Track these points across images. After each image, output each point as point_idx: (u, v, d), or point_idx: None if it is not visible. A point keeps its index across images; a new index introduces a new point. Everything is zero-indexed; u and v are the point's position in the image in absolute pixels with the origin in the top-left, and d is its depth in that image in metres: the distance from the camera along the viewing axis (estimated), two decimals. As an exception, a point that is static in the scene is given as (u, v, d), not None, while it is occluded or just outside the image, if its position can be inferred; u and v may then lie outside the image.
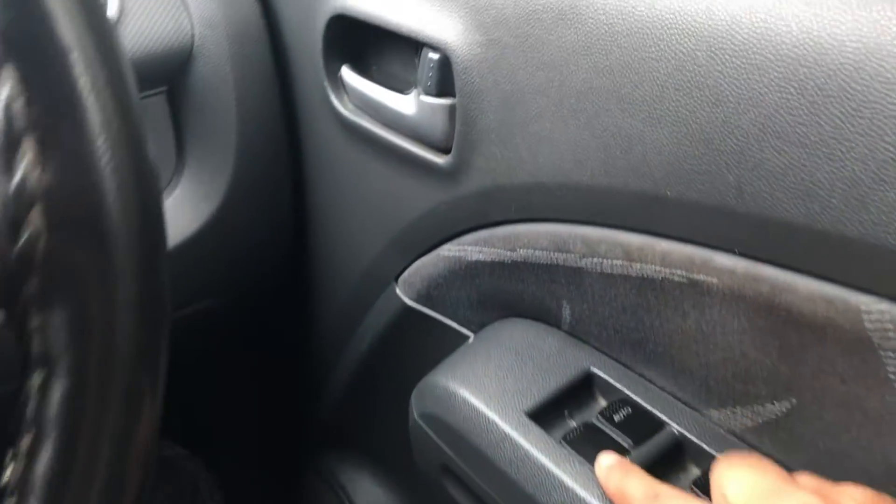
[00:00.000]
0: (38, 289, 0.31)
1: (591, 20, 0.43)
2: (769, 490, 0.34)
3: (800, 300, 0.37)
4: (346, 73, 0.61)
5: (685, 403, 0.47)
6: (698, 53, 0.38)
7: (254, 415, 0.94)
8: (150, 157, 0.32)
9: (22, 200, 0.30)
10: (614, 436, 0.46)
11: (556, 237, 0.48)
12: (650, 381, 0.48)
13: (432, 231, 0.57)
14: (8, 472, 0.32)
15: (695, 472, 0.46)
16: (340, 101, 0.61)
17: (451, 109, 0.53)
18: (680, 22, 0.39)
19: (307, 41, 0.63)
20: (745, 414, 0.44)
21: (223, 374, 0.94)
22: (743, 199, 0.37)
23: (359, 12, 0.57)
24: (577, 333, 0.52)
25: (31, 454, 0.31)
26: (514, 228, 0.50)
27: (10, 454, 0.32)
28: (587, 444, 0.46)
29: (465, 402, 0.50)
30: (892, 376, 0.35)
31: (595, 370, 0.50)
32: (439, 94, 0.53)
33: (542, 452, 0.46)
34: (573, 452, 0.46)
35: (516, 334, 0.54)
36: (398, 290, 0.62)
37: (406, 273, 0.61)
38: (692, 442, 0.45)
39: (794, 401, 0.41)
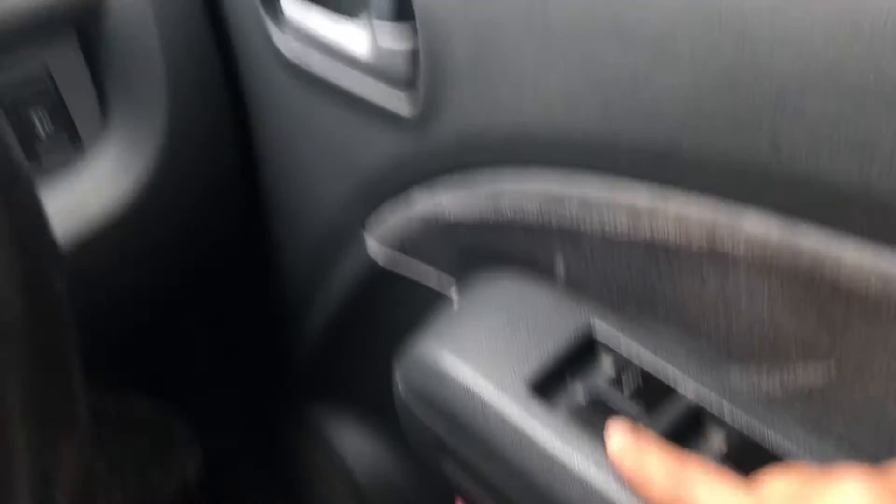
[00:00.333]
0: None
1: (578, -65, 0.35)
2: (811, 481, 0.30)
3: (848, 274, 0.31)
4: (286, 1, 0.52)
5: (701, 364, 0.42)
6: (718, -23, 0.31)
7: (229, 368, 0.89)
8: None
9: None
10: (624, 406, 0.42)
11: (547, 195, 0.41)
12: (661, 340, 0.43)
13: (400, 181, 0.50)
14: None
15: (715, 440, 0.41)
16: (281, 34, 0.53)
17: (412, 38, 0.45)
18: (692, -63, 0.31)
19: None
20: (772, 380, 0.39)
21: (194, 329, 0.88)
22: (779, 154, 0.31)
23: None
24: (574, 287, 0.46)
25: None
26: (497, 184, 0.44)
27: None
28: (594, 418, 0.41)
29: (457, 377, 0.45)
30: (962, 357, 0.30)
31: (598, 329, 0.45)
32: (396, 19, 0.45)
33: (549, 434, 0.41)
34: (583, 432, 0.41)
35: (505, 289, 0.48)
36: (367, 240, 0.56)
37: (375, 222, 0.55)
38: (711, 408, 0.41)
39: (833, 371, 0.36)
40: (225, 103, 0.58)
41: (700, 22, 0.31)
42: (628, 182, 0.37)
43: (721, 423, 0.40)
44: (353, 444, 0.74)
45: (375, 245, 0.55)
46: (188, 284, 0.74)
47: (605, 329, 0.44)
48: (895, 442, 0.35)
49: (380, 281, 0.57)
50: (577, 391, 0.44)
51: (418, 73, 0.45)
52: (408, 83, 0.46)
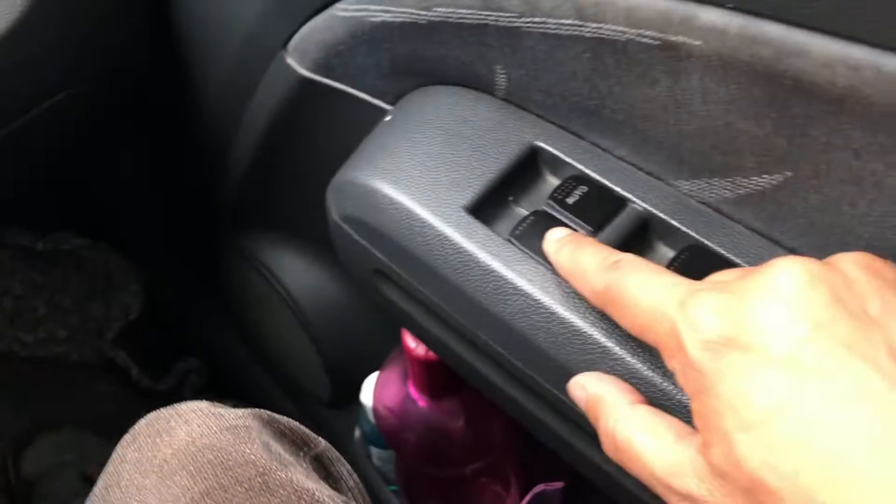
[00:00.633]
0: None
1: None
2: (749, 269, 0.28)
3: (813, 66, 0.28)
4: None
5: (649, 174, 0.40)
6: None
7: (158, 198, 0.85)
8: None
9: None
10: (570, 223, 0.40)
11: (484, -10, 0.37)
12: (607, 152, 0.41)
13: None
14: None
15: (664, 251, 0.40)
16: None
17: None
18: None
19: None
20: (723, 186, 0.37)
21: (115, 159, 0.83)
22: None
23: None
24: (515, 101, 0.43)
25: None
26: (427, -19, 0.39)
27: None
28: (539, 237, 0.39)
29: (392, 201, 0.42)
30: (928, 154, 0.28)
31: (541, 143, 0.42)
32: None
33: (488, 254, 0.39)
34: (524, 249, 0.39)
35: (442, 107, 0.45)
36: (289, 60, 0.51)
37: (296, 39, 0.50)
38: (660, 218, 0.39)
39: (788, 174, 0.34)
40: None
41: None
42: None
43: (669, 232, 0.39)
44: (294, 270, 0.72)
45: (298, 67, 0.50)
46: (106, 110, 0.69)
47: (550, 146, 0.41)
48: (844, 249, 0.34)
49: (306, 102, 0.53)
50: (519, 210, 0.41)
51: None
52: None
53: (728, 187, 0.37)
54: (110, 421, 0.93)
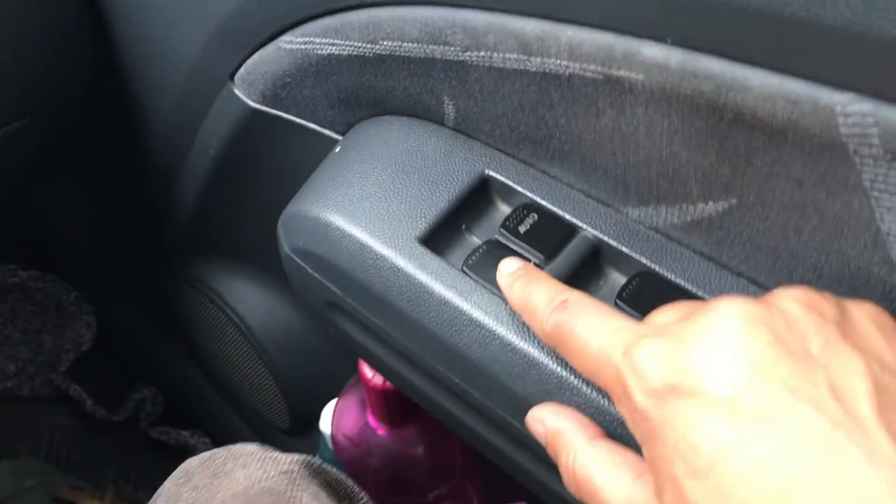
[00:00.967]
0: None
1: None
2: (692, 306, 0.29)
3: (753, 99, 0.29)
4: None
5: (598, 201, 0.40)
6: None
7: (108, 228, 0.83)
8: None
9: None
10: (522, 251, 0.40)
11: (429, 25, 0.37)
12: (556, 180, 0.41)
13: (264, 19, 0.45)
14: None
15: (616, 277, 0.40)
16: None
17: None
18: None
19: None
20: (671, 212, 0.38)
21: (63, 190, 0.81)
22: (679, -27, 0.28)
23: None
24: (464, 131, 0.43)
25: None
26: (372, 14, 0.39)
27: None
28: (492, 267, 0.39)
29: (344, 233, 0.42)
30: (867, 184, 0.28)
31: (491, 172, 0.42)
32: None
33: (442, 285, 0.39)
34: (477, 279, 0.39)
35: (392, 137, 0.44)
36: (237, 91, 0.50)
37: (243, 70, 0.49)
38: (611, 245, 0.39)
39: (733, 201, 0.34)
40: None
41: None
42: (515, 9, 0.33)
43: (620, 259, 0.39)
44: (247, 297, 0.71)
45: (246, 98, 0.50)
46: (48, 143, 0.68)
47: (500, 175, 0.41)
48: (792, 273, 0.34)
49: (256, 132, 0.52)
50: (472, 239, 0.41)
51: None
52: None
53: (676, 214, 0.37)
54: (67, 451, 0.92)
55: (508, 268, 0.37)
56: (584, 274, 0.39)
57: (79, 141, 0.70)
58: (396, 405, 0.54)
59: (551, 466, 0.34)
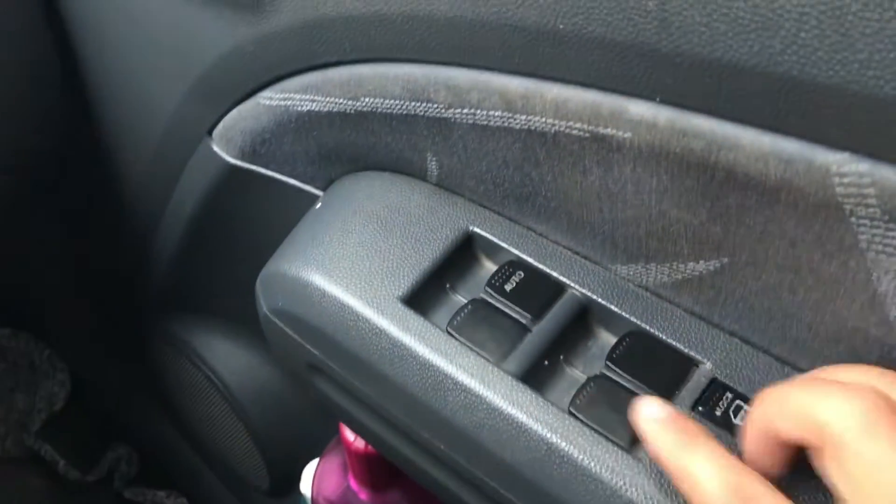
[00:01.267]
0: None
1: None
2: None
3: (745, 158, 0.28)
4: None
5: (586, 258, 0.39)
6: None
7: (82, 285, 0.81)
8: None
9: None
10: (508, 311, 0.38)
11: (411, 83, 0.36)
12: (543, 237, 0.40)
13: (243, 75, 0.44)
14: None
15: (606, 337, 0.39)
16: None
17: None
18: None
19: None
20: (660, 271, 0.37)
21: (35, 246, 0.80)
22: (668, 33, 0.27)
23: None
24: (447, 187, 0.42)
25: None
26: (353, 71, 0.38)
27: None
28: (478, 327, 0.38)
29: (324, 294, 0.41)
30: (863, 245, 0.27)
31: (476, 229, 0.41)
32: None
33: (426, 346, 0.38)
34: (463, 341, 0.38)
35: (374, 193, 0.43)
36: (215, 147, 0.49)
37: (221, 126, 0.48)
38: (600, 304, 0.38)
39: (724, 260, 0.33)
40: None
41: None
42: (499, 67, 0.33)
43: (609, 318, 0.38)
44: (224, 355, 0.69)
45: (224, 154, 0.49)
46: (23, 203, 0.66)
47: (485, 231, 0.40)
48: (786, 332, 0.33)
49: (234, 188, 0.51)
50: (457, 298, 0.40)
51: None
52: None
53: (665, 272, 0.36)
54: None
55: (653, 412, 0.31)
56: (572, 334, 0.38)
57: (52, 196, 0.68)
58: (379, 469, 0.52)
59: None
